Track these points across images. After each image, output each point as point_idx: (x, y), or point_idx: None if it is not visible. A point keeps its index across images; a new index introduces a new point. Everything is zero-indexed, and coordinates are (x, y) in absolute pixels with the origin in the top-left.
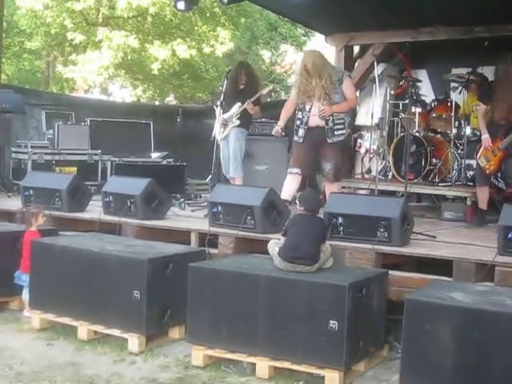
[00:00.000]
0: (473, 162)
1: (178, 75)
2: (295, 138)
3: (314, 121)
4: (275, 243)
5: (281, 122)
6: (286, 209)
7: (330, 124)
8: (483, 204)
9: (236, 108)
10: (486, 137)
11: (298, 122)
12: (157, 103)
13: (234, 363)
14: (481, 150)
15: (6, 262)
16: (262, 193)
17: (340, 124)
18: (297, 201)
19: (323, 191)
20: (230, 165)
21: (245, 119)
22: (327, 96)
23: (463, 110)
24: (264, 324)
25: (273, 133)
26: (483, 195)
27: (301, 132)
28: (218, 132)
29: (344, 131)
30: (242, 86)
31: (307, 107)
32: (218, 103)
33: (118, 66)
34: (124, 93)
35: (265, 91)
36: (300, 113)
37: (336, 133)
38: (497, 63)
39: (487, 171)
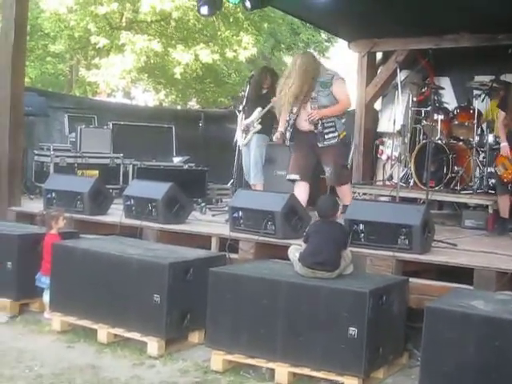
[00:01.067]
0: None
1: (201, 79)
2: (286, 142)
3: (304, 125)
4: (296, 249)
5: (280, 128)
6: (307, 214)
7: (320, 128)
8: (505, 212)
9: (257, 113)
10: (504, 145)
11: (286, 125)
12: (179, 107)
13: (253, 368)
14: (498, 157)
15: (27, 265)
16: (282, 198)
17: (330, 127)
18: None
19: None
20: (251, 171)
21: (266, 124)
22: (314, 100)
23: (486, 116)
24: (284, 330)
25: (273, 139)
26: (505, 203)
27: (288, 135)
28: (240, 138)
29: (335, 134)
30: (264, 91)
31: (294, 109)
32: (240, 108)
33: (140, 69)
34: (147, 97)
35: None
36: (288, 115)
37: (326, 136)
38: None
39: (505, 179)
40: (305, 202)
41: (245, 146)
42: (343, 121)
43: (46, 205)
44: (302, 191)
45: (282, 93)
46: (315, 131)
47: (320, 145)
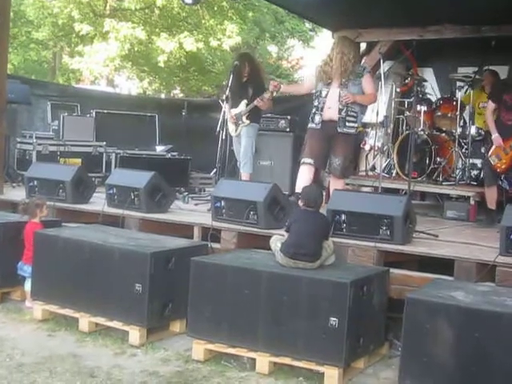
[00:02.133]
0: (477, 162)
1: (185, 68)
2: (311, 125)
3: (328, 113)
4: (277, 239)
5: (283, 85)
6: (290, 204)
7: (343, 114)
8: (492, 204)
9: (243, 106)
10: (496, 135)
11: (314, 110)
12: (163, 96)
13: (234, 358)
14: (492, 148)
15: (9, 253)
16: (265, 188)
17: (352, 117)
18: (299, 196)
19: (327, 187)
20: (240, 161)
21: (255, 114)
22: (345, 86)
23: (469, 108)
24: (265, 319)
25: (270, 88)
26: (492, 195)
27: (317, 118)
28: (231, 129)
29: (355, 124)
30: (245, 78)
31: (323, 93)
32: (224, 97)
33: (124, 57)
34: (130, 85)
35: (266, 95)
36: (316, 100)
37: (347, 124)
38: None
39: (498, 170)
40: (308, 184)
41: (236, 137)
42: (363, 116)
43: (28, 193)
44: (308, 177)
45: (322, 73)
46: (339, 116)
47: (339, 130)
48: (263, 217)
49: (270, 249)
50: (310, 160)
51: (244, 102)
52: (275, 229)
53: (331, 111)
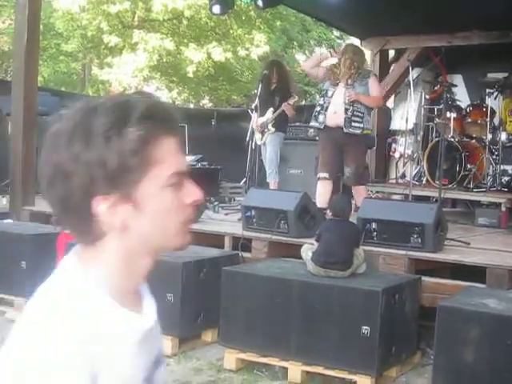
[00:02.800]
0: (508, 168)
1: (213, 78)
2: (314, 124)
3: (334, 119)
4: (308, 248)
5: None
6: (320, 213)
7: (349, 114)
8: None
9: (269, 114)
10: None
11: (319, 108)
12: (192, 106)
13: (266, 367)
14: None
15: (41, 264)
16: (295, 197)
17: (358, 117)
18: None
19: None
20: (266, 169)
21: (281, 123)
22: (351, 85)
23: (499, 114)
24: (297, 328)
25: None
26: None
27: (321, 117)
28: (258, 138)
29: (361, 125)
30: (273, 86)
31: (330, 93)
32: (253, 107)
33: (153, 68)
34: (160, 95)
35: (291, 101)
36: (322, 99)
37: (353, 124)
38: None
39: None
40: (327, 198)
41: (263, 145)
42: (370, 119)
43: None
44: (327, 191)
45: (331, 72)
46: (344, 116)
47: (345, 130)
48: (294, 226)
49: (300, 258)
50: (325, 174)
51: (271, 109)
52: (306, 238)
53: (337, 116)
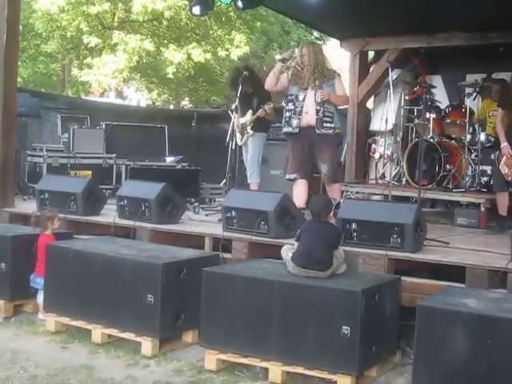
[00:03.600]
0: (487, 168)
1: (193, 79)
2: (288, 129)
3: (306, 119)
4: (289, 248)
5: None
6: (300, 214)
7: (320, 115)
8: (503, 210)
9: (249, 115)
10: (505, 145)
11: (289, 113)
12: (172, 107)
13: (247, 368)
14: (503, 159)
15: (21, 266)
16: (275, 198)
17: (329, 117)
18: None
19: None
20: (247, 170)
21: (261, 124)
22: (319, 87)
23: (478, 115)
24: (277, 329)
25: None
26: (503, 201)
27: (295, 122)
28: (238, 138)
29: (332, 125)
30: (250, 90)
31: (300, 97)
32: (233, 107)
33: (133, 69)
34: (139, 96)
35: (267, 108)
36: (291, 104)
37: (325, 125)
38: None
39: (509, 178)
40: (304, 201)
41: (243, 145)
42: (338, 119)
43: (40, 206)
44: (301, 190)
45: (297, 77)
46: (316, 117)
47: (317, 131)
48: (274, 226)
49: (281, 258)
50: (294, 175)
51: (250, 112)
52: (286, 238)
53: (308, 116)
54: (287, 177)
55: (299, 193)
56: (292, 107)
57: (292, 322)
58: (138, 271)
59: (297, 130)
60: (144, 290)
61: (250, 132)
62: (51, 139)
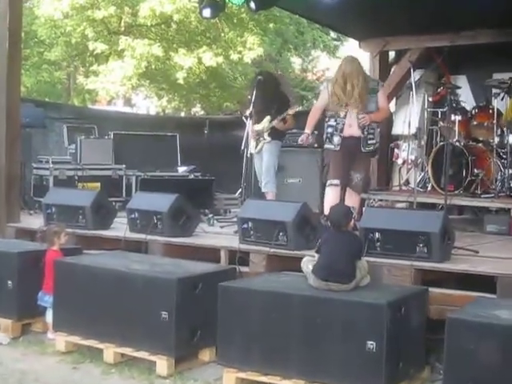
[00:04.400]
0: None
1: (205, 84)
2: (329, 146)
3: (349, 131)
4: (309, 261)
5: (308, 130)
6: (320, 224)
7: (365, 133)
8: None
9: (266, 122)
10: None
11: (331, 130)
12: (183, 114)
13: None
14: None
15: (29, 283)
16: (294, 208)
17: (371, 134)
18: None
19: None
20: (262, 179)
21: (277, 132)
22: (362, 104)
23: (505, 117)
24: (298, 345)
25: (299, 141)
26: None
27: (336, 139)
28: (252, 146)
29: (374, 141)
30: (269, 95)
31: (341, 114)
32: (248, 114)
33: (141, 75)
34: (148, 103)
35: (291, 111)
36: (333, 120)
37: (369, 142)
38: None
39: None
40: (337, 201)
41: (257, 154)
42: (379, 130)
43: (47, 220)
44: (337, 197)
45: (336, 97)
46: (361, 136)
47: (363, 150)
48: (293, 238)
49: (301, 271)
50: (336, 181)
51: (267, 118)
52: (306, 250)
53: (352, 129)
54: (329, 182)
55: (334, 200)
56: (333, 123)
57: (314, 337)
58: (151, 287)
59: (338, 148)
60: (158, 306)
61: (268, 139)
62: (57, 151)
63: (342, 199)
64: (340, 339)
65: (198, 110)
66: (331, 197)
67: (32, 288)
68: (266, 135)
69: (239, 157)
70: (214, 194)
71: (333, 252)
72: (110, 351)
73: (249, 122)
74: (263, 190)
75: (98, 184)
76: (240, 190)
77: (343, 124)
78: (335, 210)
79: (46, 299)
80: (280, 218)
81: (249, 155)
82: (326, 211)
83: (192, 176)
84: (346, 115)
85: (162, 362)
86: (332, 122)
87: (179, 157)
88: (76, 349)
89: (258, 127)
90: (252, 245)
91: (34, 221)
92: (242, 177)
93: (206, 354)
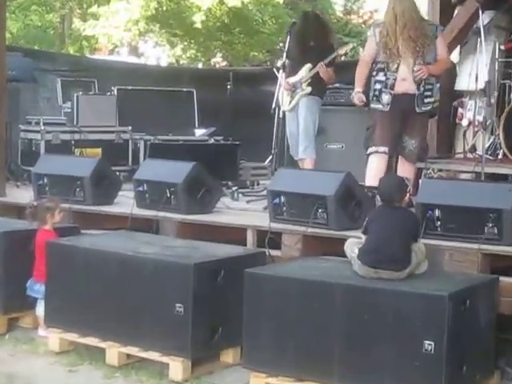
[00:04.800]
0: None
1: (228, 29)
2: (377, 106)
3: (402, 86)
4: (354, 243)
5: (358, 87)
6: (368, 199)
7: (421, 89)
8: None
9: (305, 71)
10: None
11: (379, 86)
12: (201, 66)
13: None
14: None
15: (16, 269)
16: (336, 179)
17: (429, 90)
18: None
19: None
20: (299, 143)
21: (318, 85)
22: (420, 54)
23: None
24: (341, 345)
25: (355, 102)
26: None
27: (386, 98)
28: (283, 102)
29: (432, 99)
30: (312, 43)
31: (393, 66)
32: (280, 65)
33: (150, 18)
34: (159, 53)
35: (342, 51)
36: (382, 74)
37: (425, 100)
38: None
39: None
40: (384, 172)
41: (290, 111)
42: (438, 85)
43: (37, 194)
44: (383, 167)
45: (386, 43)
46: (417, 93)
47: (418, 110)
48: (334, 215)
49: (344, 255)
50: (384, 148)
51: (307, 66)
52: (350, 230)
53: (406, 83)
54: (373, 149)
55: (380, 170)
56: (383, 78)
57: (359, 335)
58: (163, 274)
59: (387, 108)
60: (171, 297)
61: (307, 89)
62: (50, 110)
63: (394, 169)
64: (391, 338)
65: (219, 61)
66: (376, 167)
67: (20, 275)
68: (304, 85)
69: (269, 117)
70: (238, 162)
71: (383, 233)
72: (113, 351)
73: (281, 75)
74: (301, 156)
75: (99, 150)
76: (270, 157)
77: (394, 79)
78: (386, 182)
79: (36, 289)
80: (319, 191)
81: (281, 115)
82: (369, 182)
83: (212, 140)
84: (398, 68)
85: (175, 364)
86: (381, 77)
87: (197, 117)
88: (72, 348)
89: (295, 78)
90: (285, 224)
91: (23, 194)
92: (272, 141)
93: (229, 356)
